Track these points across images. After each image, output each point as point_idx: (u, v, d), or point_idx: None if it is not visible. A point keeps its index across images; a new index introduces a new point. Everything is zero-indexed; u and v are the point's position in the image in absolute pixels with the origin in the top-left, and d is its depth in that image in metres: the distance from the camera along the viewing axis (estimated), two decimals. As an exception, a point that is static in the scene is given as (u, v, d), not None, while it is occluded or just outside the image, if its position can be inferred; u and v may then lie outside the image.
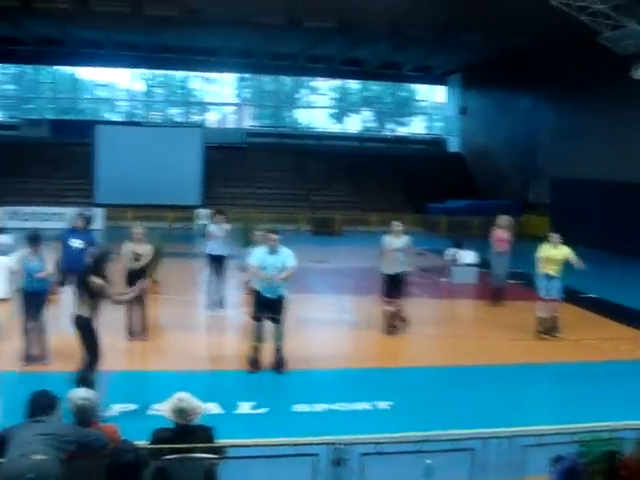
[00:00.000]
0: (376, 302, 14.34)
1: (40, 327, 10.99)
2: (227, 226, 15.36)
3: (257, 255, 11.17)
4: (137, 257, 12.72)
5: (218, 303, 15.36)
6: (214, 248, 15.20)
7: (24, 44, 41.96)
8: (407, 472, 5.66)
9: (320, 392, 10.01)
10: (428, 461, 5.45)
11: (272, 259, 10.93)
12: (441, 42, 36.79)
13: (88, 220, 14.06)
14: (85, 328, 8.89)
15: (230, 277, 15.67)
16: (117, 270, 11.91)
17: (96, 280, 8.86)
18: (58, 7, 33.03)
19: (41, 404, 5.35)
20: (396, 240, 13.82)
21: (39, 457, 4.76)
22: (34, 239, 11.14)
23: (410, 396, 9.97)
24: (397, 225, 13.97)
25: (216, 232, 15.17)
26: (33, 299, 10.90)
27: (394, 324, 13.79)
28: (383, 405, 9.49)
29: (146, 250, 12.90)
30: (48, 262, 11.12)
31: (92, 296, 8.87)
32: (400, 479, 5.74)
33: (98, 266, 9.06)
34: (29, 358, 10.86)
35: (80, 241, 13.53)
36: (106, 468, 4.90)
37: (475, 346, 13.22)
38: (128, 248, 12.81)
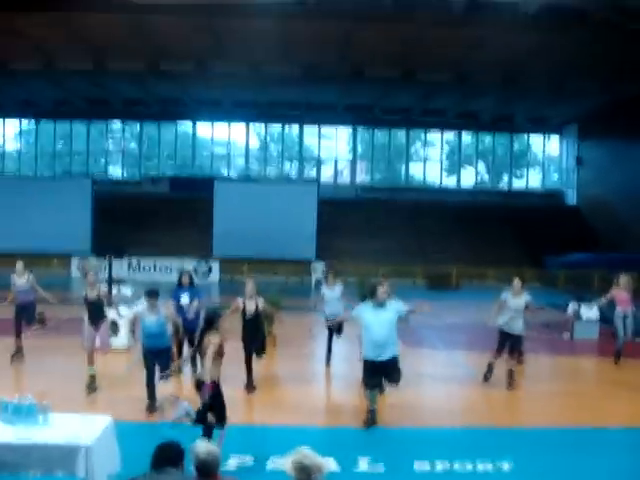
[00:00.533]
0: (491, 358, 13.98)
1: (165, 381, 11.18)
2: (340, 286, 15.19)
3: (362, 309, 10.73)
4: (248, 314, 12.81)
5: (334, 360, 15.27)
6: (330, 310, 14.93)
7: (147, 104, 43.89)
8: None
9: (439, 449, 9.68)
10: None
11: (379, 315, 10.40)
12: (556, 92, 36.37)
13: (191, 277, 14.18)
14: (215, 394, 8.91)
15: (348, 334, 15.52)
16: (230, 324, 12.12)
17: (213, 340, 8.96)
18: (180, 69, 34.48)
19: (168, 455, 5.36)
20: (516, 298, 13.38)
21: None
22: (152, 295, 11.31)
23: (532, 457, 9.53)
24: (518, 282, 13.45)
25: (330, 294, 15.03)
26: (154, 356, 11.09)
27: (511, 380, 13.44)
28: (505, 466, 9.11)
29: (259, 304, 12.91)
30: (167, 318, 11.31)
31: (213, 357, 8.93)
32: None
33: (212, 325, 9.15)
34: (153, 409, 11.06)
35: (187, 296, 13.66)
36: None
37: (602, 406, 12.57)
38: (240, 304, 12.88)
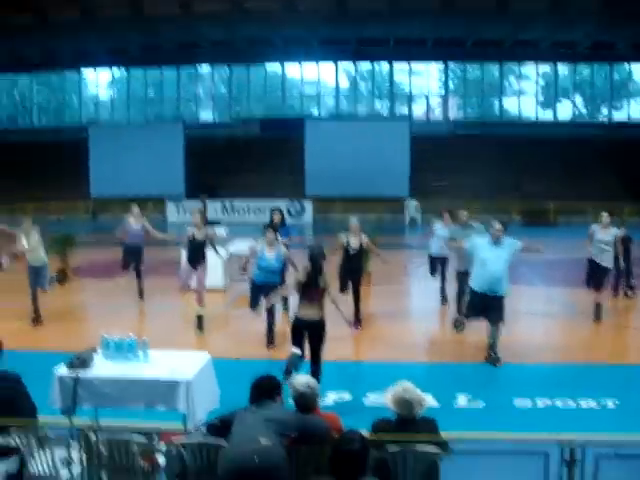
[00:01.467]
0: (590, 294, 13.62)
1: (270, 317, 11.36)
2: (453, 226, 14.17)
3: (477, 243, 10.67)
4: (352, 250, 12.64)
5: (441, 300, 14.93)
6: (437, 248, 14.62)
7: (235, 45, 43.81)
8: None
9: (540, 387, 9.47)
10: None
11: (495, 252, 10.36)
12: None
13: (283, 215, 14.07)
14: (323, 331, 8.88)
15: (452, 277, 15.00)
16: (332, 262, 12.06)
17: (326, 279, 8.88)
18: (265, 7, 34.20)
19: (265, 389, 5.36)
20: (604, 232, 13.27)
21: (264, 442, 4.75)
22: (271, 228, 11.56)
23: (637, 395, 9.22)
24: (605, 216, 13.36)
25: (442, 233, 14.41)
26: (262, 292, 11.15)
27: (599, 315, 13.24)
28: (609, 404, 8.84)
29: (362, 242, 12.71)
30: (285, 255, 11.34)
31: (322, 295, 8.86)
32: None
33: (320, 263, 8.96)
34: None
35: (279, 235, 13.60)
36: (331, 456, 4.78)
37: None
38: (343, 239, 12.74)
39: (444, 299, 14.86)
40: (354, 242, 12.61)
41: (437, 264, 14.82)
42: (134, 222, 15.00)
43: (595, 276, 13.52)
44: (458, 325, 12.45)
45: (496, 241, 10.42)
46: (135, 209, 15.12)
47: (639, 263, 16.43)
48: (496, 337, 10.58)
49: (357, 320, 12.69)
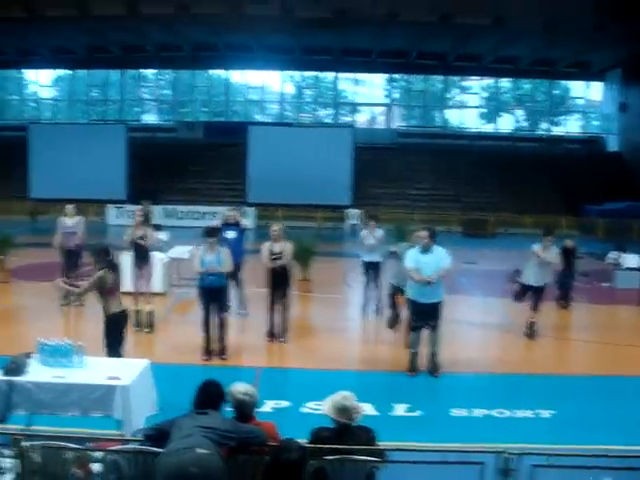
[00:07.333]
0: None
1: (221, 323, 11.13)
2: (380, 232, 14.66)
3: (410, 256, 10.68)
4: (275, 256, 12.39)
5: (375, 311, 14.86)
6: (368, 255, 14.69)
7: (181, 50, 43.53)
8: (580, 488, 5.20)
9: (477, 397, 9.58)
10: (607, 479, 5.00)
11: (426, 258, 10.43)
12: (600, 35, 35.01)
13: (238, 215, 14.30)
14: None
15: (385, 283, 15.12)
16: (259, 269, 12.23)
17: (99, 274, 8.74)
18: (212, 12, 34.01)
19: (210, 395, 5.32)
20: (545, 252, 13.20)
21: (203, 451, 4.70)
22: (211, 233, 11.33)
23: (573, 406, 9.36)
24: (548, 239, 13.23)
25: (369, 239, 14.61)
26: (211, 294, 11.04)
27: (529, 331, 13.31)
28: (545, 414, 8.98)
29: (285, 248, 12.44)
30: (225, 258, 11.15)
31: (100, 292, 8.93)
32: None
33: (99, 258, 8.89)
34: (209, 353, 11.05)
35: (233, 232, 13.70)
36: (269, 465, 4.76)
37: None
38: (266, 247, 12.43)
39: (378, 310, 14.76)
40: (276, 247, 12.46)
41: (369, 269, 14.79)
42: (69, 220, 14.63)
43: (531, 296, 13.36)
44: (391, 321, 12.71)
45: (425, 249, 10.46)
46: (69, 207, 14.75)
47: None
48: (437, 346, 10.64)
49: (283, 329, 12.50)
